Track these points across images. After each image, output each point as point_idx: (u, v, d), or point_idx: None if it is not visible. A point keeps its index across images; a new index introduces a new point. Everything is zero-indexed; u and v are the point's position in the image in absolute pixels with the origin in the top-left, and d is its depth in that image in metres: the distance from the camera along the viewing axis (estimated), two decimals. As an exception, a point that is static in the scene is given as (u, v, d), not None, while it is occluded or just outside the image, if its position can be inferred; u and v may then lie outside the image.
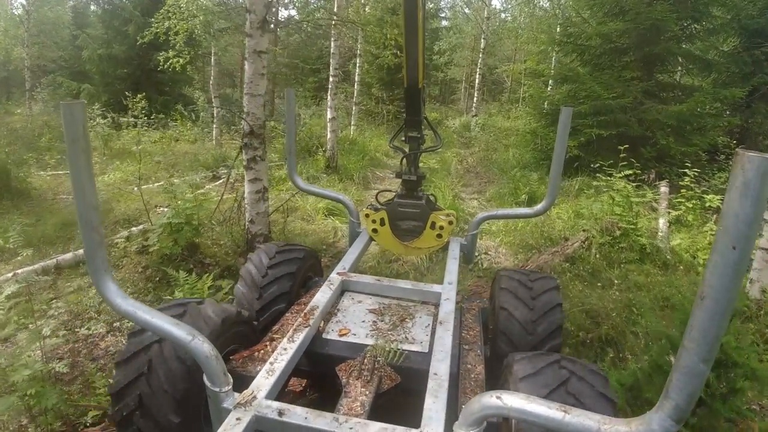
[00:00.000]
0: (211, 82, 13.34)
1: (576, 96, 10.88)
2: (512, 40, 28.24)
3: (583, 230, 6.77)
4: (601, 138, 9.74)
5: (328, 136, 9.97)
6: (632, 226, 6.51)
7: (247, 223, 5.02)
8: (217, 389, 1.91)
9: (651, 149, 9.90)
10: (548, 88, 18.40)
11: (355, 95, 15.02)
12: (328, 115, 9.92)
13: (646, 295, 5.19)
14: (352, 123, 15.04)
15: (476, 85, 21.13)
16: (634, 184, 7.05)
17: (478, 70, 20.64)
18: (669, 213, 7.53)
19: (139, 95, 15.40)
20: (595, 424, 1.39)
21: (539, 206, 3.96)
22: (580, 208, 7.63)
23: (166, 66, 13.78)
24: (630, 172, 7.12)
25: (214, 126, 13.70)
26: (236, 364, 2.44)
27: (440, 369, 2.22)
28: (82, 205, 1.65)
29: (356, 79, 14.64)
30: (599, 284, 5.64)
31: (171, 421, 2.09)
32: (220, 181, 9.80)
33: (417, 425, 1.87)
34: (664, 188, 9.03)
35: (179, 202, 5.01)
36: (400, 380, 2.39)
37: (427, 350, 2.57)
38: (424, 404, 1.99)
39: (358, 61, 14.40)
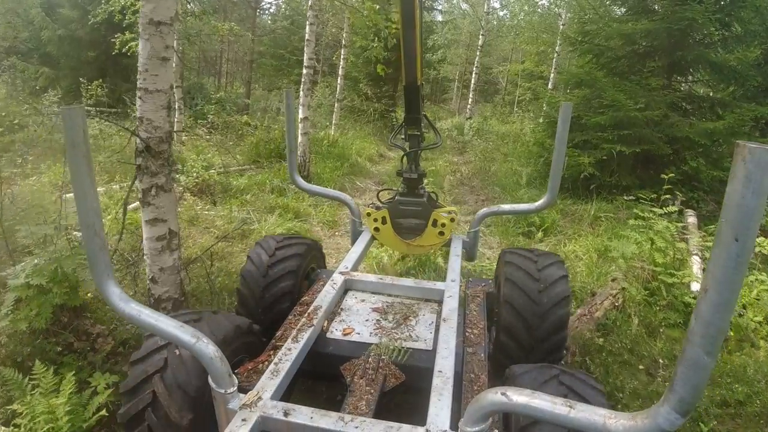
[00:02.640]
0: (173, 70, 11.62)
1: (590, 104, 9.40)
2: (510, 38, 26.79)
3: (612, 280, 5.29)
4: (621, 156, 8.27)
5: (299, 139, 8.32)
6: (677, 280, 5.06)
7: (148, 282, 3.43)
8: (223, 390, 1.88)
9: (676, 171, 8.47)
10: (547, 90, 17.04)
11: (338, 91, 13.36)
12: (300, 114, 8.25)
13: (708, 393, 3.75)
14: (334, 122, 13.40)
15: (471, 84, 19.58)
16: (677, 224, 5.57)
17: (474, 69, 19.10)
18: (703, 254, 6.08)
19: (95, 82, 13.75)
20: (600, 419, 1.37)
21: (540, 202, 3.83)
22: (605, 247, 6.14)
23: (122, 50, 12.07)
24: (675, 209, 5.65)
25: (175, 120, 11.99)
26: (241, 377, 2.33)
27: (445, 366, 2.21)
28: (84, 210, 1.64)
29: (340, 72, 12.98)
30: (641, 366, 4.21)
31: (184, 417, 2.04)
32: (168, 188, 8.16)
33: (422, 423, 1.86)
34: (691, 218, 7.61)
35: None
36: (404, 378, 2.36)
37: (431, 348, 2.57)
38: (430, 402, 1.98)
39: (342, 52, 12.76)
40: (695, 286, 5.25)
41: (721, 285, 1.13)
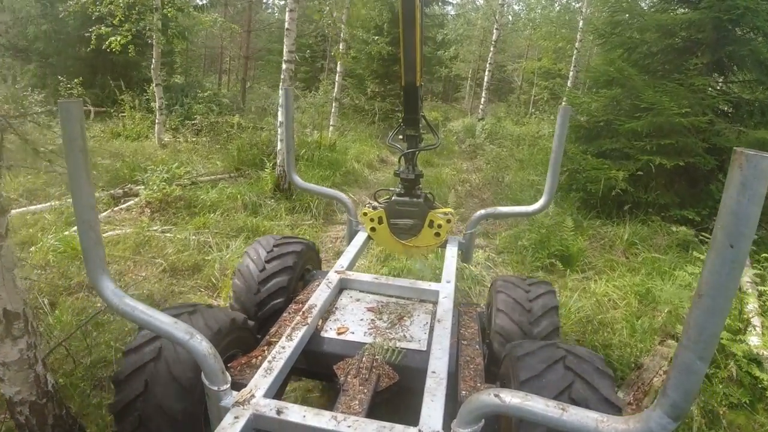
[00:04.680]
0: (152, 66, 10.51)
1: (620, 106, 8.10)
2: (527, 34, 25.36)
3: (661, 342, 4.05)
4: (659, 169, 6.96)
5: (278, 146, 7.10)
6: (747, 348, 3.82)
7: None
8: (216, 387, 1.88)
9: (721, 188, 7.14)
10: (567, 89, 15.67)
11: (335, 89, 12.15)
12: (279, 118, 7.02)
13: None
14: (331, 123, 12.20)
15: (484, 83, 18.25)
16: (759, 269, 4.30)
17: (487, 66, 17.76)
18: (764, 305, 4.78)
19: (76, 80, 12.71)
20: (592, 422, 1.38)
21: (537, 205, 3.66)
22: (646, 289, 4.89)
23: (100, 45, 10.99)
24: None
25: (156, 121, 10.89)
26: (234, 372, 2.30)
27: (438, 367, 2.20)
28: (80, 204, 1.65)
29: (338, 69, 11.78)
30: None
31: (174, 409, 2.06)
32: (128, 203, 7.01)
33: (415, 423, 1.85)
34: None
35: None
36: (398, 378, 2.36)
37: (425, 348, 2.55)
38: (423, 402, 1.97)
39: (340, 46, 11.56)
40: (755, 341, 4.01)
41: (715, 290, 1.13)
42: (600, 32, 8.69)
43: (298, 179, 4.05)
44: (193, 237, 5.75)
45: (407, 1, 2.65)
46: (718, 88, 8.69)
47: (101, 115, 14.14)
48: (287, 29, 6.65)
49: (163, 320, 1.83)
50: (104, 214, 6.80)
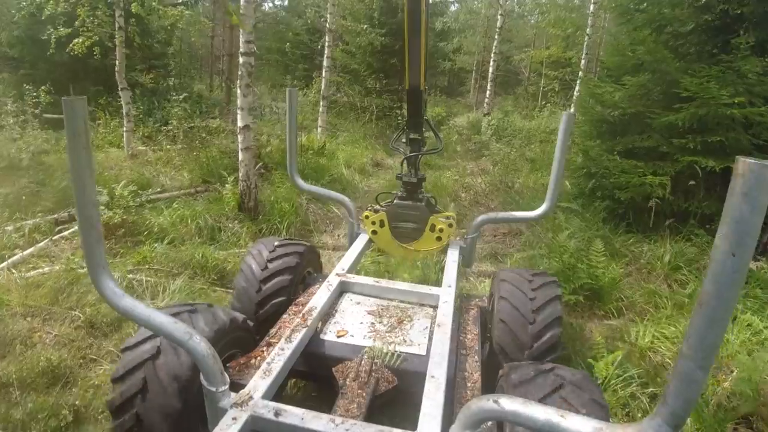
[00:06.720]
0: (116, 69, 9.40)
1: (650, 96, 6.84)
2: (534, 19, 23.98)
3: (735, 429, 2.85)
4: (705, 173, 5.68)
5: (240, 156, 5.89)
6: None
7: None
8: (214, 388, 1.88)
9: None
10: (584, 75, 14.39)
11: (323, 86, 10.97)
12: (239, 122, 5.79)
13: None
14: (319, 125, 11.02)
15: (489, 75, 16.96)
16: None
17: (492, 56, 16.48)
18: None
19: (42, 87, 11.65)
20: (591, 430, 1.36)
21: (539, 210, 3.69)
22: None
23: (60, 49, 9.93)
24: None
25: (124, 129, 9.79)
26: (233, 372, 2.33)
27: (437, 372, 2.19)
28: (82, 201, 1.63)
29: (325, 63, 10.61)
30: None
31: (173, 408, 2.06)
32: (71, 230, 5.87)
33: (414, 428, 1.85)
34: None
35: None
36: (397, 382, 2.35)
37: (424, 353, 2.54)
38: (421, 407, 1.97)
39: (327, 39, 10.38)
40: None
41: (716, 300, 1.11)
42: (622, 8, 7.41)
43: (300, 181, 4.03)
44: (129, 276, 4.62)
45: (414, 10, 2.70)
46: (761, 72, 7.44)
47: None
48: (242, 14, 5.45)
49: (163, 320, 1.81)
50: (41, 244, 5.69)
